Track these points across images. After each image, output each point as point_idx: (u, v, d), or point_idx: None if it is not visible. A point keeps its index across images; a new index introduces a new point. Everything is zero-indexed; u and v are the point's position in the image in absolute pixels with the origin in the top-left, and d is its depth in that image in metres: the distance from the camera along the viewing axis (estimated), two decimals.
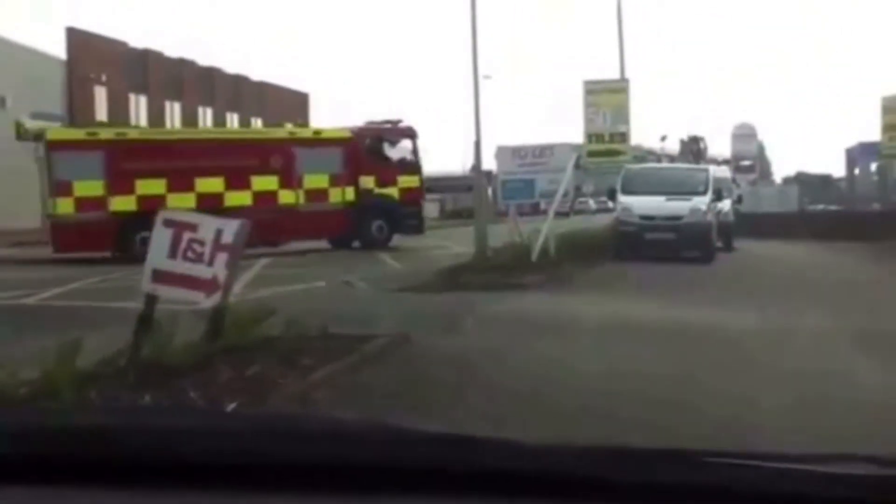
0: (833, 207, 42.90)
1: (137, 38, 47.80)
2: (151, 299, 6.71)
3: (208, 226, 6.69)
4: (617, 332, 9.00)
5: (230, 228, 6.67)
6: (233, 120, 49.19)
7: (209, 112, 48.14)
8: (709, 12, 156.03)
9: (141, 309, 6.76)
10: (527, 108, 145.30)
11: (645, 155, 50.01)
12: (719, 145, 59.50)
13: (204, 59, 48.60)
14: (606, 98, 26.38)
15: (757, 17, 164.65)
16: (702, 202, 20.37)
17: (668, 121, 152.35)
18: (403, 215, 25.10)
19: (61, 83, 37.40)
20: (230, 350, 6.97)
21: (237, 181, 23.01)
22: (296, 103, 53.70)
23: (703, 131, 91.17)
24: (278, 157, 23.67)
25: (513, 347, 8.40)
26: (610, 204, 23.95)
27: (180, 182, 22.09)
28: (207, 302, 6.71)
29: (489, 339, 8.99)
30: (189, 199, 21.65)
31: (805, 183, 49.80)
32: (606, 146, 26.23)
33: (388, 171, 25.21)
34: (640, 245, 19.49)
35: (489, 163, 21.42)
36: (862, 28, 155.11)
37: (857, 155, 50.36)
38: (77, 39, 39.15)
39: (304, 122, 47.92)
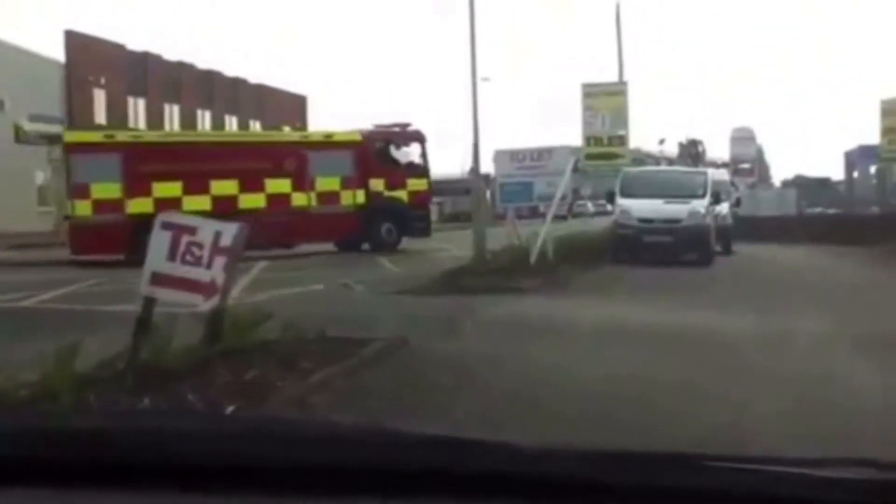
0: (832, 211, 42.77)
1: (136, 41, 47.94)
2: (150, 302, 6.71)
3: (207, 229, 6.69)
4: (615, 336, 9.00)
5: (228, 232, 6.67)
6: (231, 123, 49.15)
7: (207, 115, 48.07)
8: (708, 14, 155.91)
9: (139, 312, 6.76)
10: (525, 111, 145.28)
11: (643, 158, 50.01)
12: (718, 148, 59.70)
13: (202, 62, 48.68)
14: (605, 101, 26.38)
15: (756, 20, 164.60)
16: (700, 205, 20.38)
17: (667, 124, 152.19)
18: (412, 218, 25.12)
19: (60, 86, 37.37)
20: (228, 353, 6.98)
21: (251, 184, 23.07)
22: (294, 106, 53.71)
23: (702, 134, 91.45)
24: (292, 159, 23.77)
25: (511, 351, 8.39)
26: (608, 207, 23.93)
27: (196, 185, 22.17)
28: (206, 305, 6.71)
29: (487, 342, 9.00)
30: (204, 202, 21.59)
31: (804, 186, 49.67)
32: (605, 149, 26.19)
33: (398, 174, 25.27)
34: (638, 248, 19.51)
35: (487, 166, 21.46)
36: (861, 31, 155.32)
37: (855, 158, 50.28)
38: (76, 42, 39.11)
39: (303, 125, 47.99)
